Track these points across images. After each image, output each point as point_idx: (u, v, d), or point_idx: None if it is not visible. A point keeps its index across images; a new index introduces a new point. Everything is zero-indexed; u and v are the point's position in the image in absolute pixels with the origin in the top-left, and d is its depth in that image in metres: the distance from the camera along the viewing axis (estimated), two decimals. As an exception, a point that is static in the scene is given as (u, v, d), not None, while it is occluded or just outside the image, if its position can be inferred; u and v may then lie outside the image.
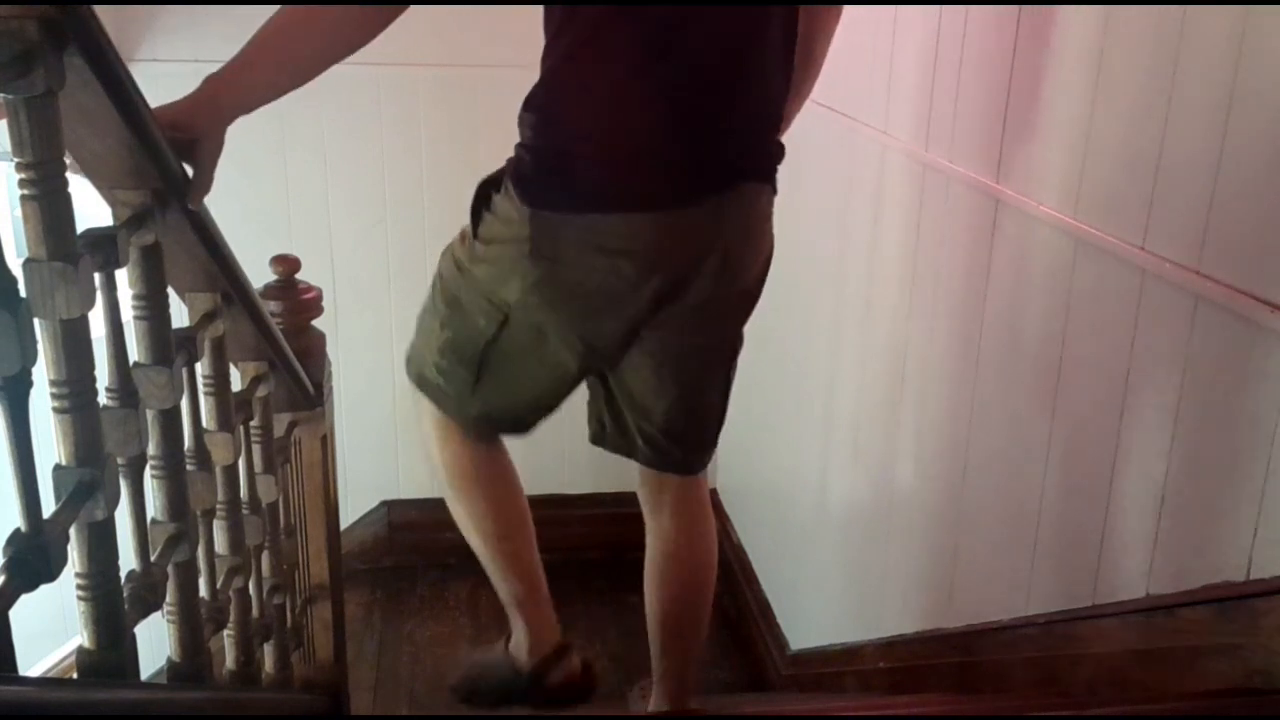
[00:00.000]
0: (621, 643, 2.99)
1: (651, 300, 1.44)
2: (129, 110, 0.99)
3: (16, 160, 0.88)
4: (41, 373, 0.91)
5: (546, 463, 3.02)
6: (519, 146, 1.42)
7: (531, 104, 1.40)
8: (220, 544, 1.47)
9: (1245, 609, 1.13)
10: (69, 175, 0.91)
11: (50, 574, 0.91)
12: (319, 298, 2.01)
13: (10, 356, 0.85)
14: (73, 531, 0.98)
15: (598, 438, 1.72)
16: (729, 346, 1.63)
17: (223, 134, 1.24)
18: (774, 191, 1.50)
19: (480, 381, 1.54)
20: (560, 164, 1.38)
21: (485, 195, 1.47)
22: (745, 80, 1.41)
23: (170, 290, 1.24)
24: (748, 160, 1.44)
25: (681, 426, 1.65)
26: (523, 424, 1.63)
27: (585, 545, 3.20)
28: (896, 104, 2.04)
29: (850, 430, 2.32)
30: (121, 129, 1.00)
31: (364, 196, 3.06)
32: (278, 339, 1.65)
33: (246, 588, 1.56)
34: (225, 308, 1.40)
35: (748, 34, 1.41)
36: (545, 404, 1.59)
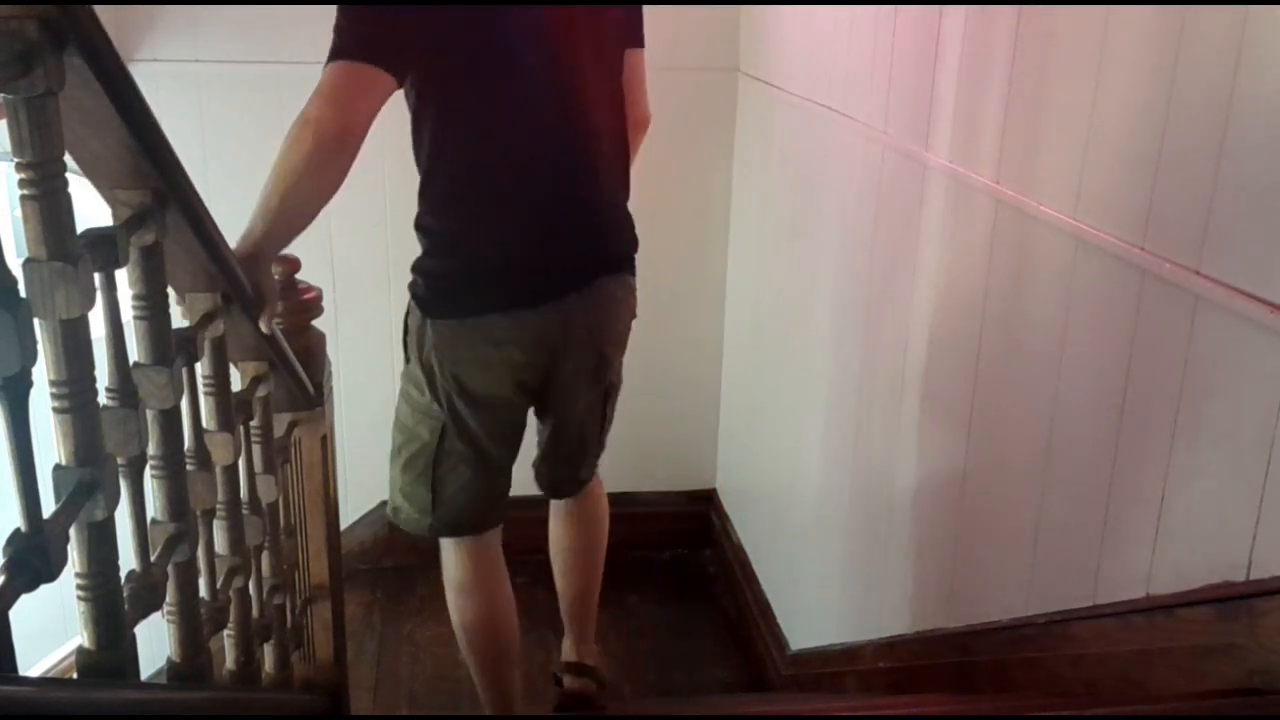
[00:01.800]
0: (620, 642, 2.99)
1: (540, 372, 1.81)
2: (129, 110, 0.99)
3: (16, 160, 0.88)
4: (41, 373, 0.91)
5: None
6: (413, 272, 1.77)
7: (420, 226, 1.74)
8: (220, 544, 1.47)
9: (1245, 609, 1.14)
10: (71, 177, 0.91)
11: (50, 574, 0.90)
12: (319, 298, 2.01)
13: (10, 356, 0.85)
14: (73, 531, 0.98)
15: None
16: (603, 394, 1.99)
17: (258, 273, 1.53)
18: (631, 275, 1.89)
19: (437, 491, 1.87)
20: (450, 281, 1.73)
21: (406, 328, 1.82)
22: (595, 200, 1.79)
23: (170, 290, 1.24)
24: (600, 259, 1.83)
25: (567, 464, 2.04)
26: (481, 518, 1.93)
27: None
28: (896, 104, 2.04)
29: (850, 430, 2.32)
30: (121, 129, 1.00)
31: (364, 196, 3.06)
32: (278, 339, 1.65)
33: (246, 588, 1.56)
34: (225, 308, 1.39)
35: (593, 164, 1.76)
36: (492, 491, 1.90)
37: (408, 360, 1.85)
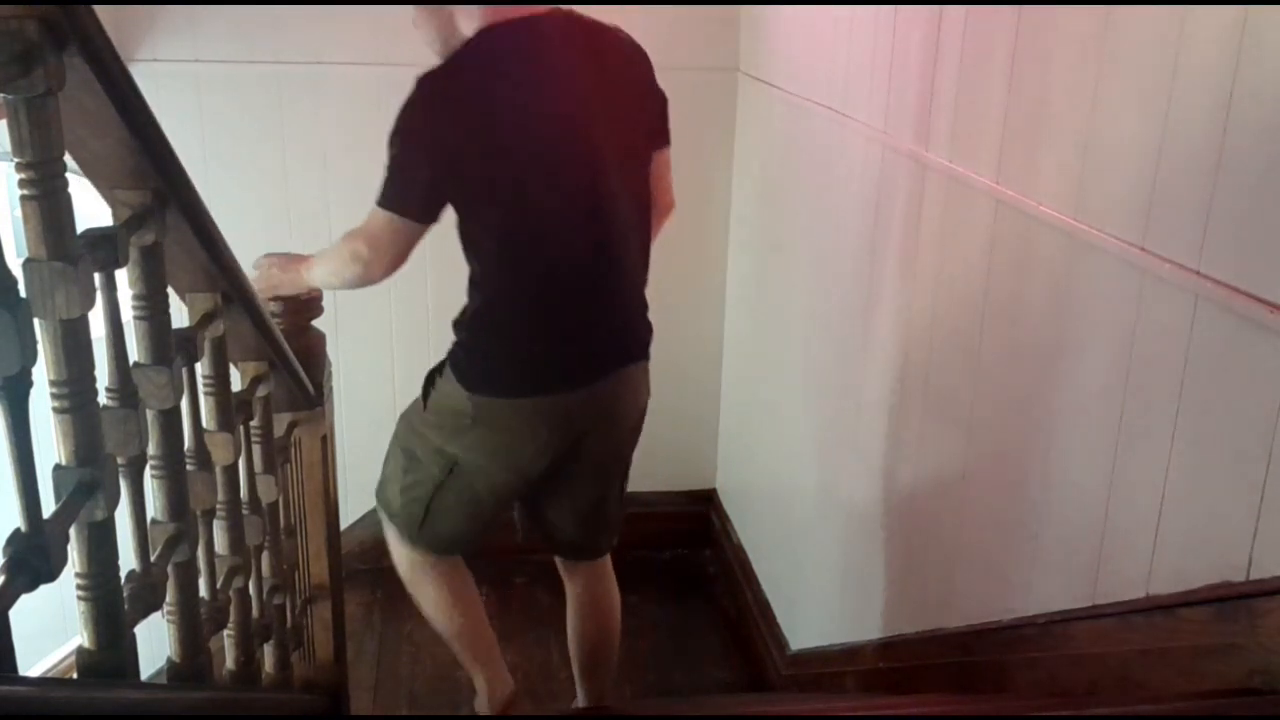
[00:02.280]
0: (620, 642, 2.99)
1: (560, 449, 1.94)
2: (129, 110, 0.99)
3: (16, 160, 0.88)
4: (41, 373, 0.91)
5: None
6: (457, 345, 1.91)
7: (461, 326, 1.90)
8: (220, 544, 1.47)
9: (1245, 609, 1.14)
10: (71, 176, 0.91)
11: (50, 574, 0.90)
12: (319, 298, 2.01)
13: (10, 356, 0.85)
14: (73, 531, 0.98)
15: (526, 536, 2.20)
16: (619, 472, 2.14)
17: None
18: (647, 360, 2.04)
19: (428, 516, 2.00)
20: (492, 364, 1.90)
21: (432, 379, 1.97)
22: (620, 298, 1.96)
23: (170, 290, 1.24)
24: (623, 350, 1.99)
25: (585, 530, 2.14)
26: (457, 547, 2.09)
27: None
28: (896, 104, 2.04)
29: (850, 430, 2.32)
30: (121, 129, 1.00)
31: (364, 197, 3.05)
32: (278, 339, 1.65)
33: (246, 588, 1.56)
34: (225, 308, 1.39)
35: (621, 266, 1.92)
36: (476, 530, 2.05)
37: (426, 406, 1.97)
